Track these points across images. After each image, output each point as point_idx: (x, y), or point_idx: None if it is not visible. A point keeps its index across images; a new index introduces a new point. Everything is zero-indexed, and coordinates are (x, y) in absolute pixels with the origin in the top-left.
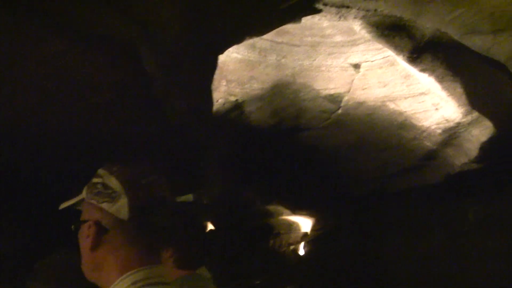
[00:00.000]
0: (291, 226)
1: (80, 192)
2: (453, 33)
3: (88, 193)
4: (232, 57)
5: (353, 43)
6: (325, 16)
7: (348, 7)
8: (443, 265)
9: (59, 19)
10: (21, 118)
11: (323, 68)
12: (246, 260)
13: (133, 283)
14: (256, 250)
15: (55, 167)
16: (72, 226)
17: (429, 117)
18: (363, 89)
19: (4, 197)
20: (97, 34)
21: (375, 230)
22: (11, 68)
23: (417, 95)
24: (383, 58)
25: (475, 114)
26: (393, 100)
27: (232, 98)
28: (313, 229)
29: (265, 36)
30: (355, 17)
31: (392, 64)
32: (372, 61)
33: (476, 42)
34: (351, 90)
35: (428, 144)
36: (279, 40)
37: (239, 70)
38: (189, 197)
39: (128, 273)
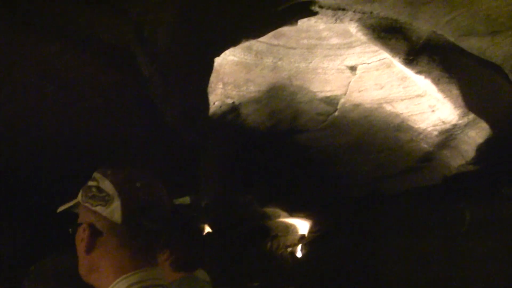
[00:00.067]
0: (289, 228)
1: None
2: (449, 35)
3: (83, 196)
4: (228, 60)
5: (349, 46)
6: (321, 18)
7: (344, 9)
8: (440, 267)
9: (54, 21)
10: (17, 121)
11: (320, 71)
12: (243, 262)
13: (129, 286)
14: (254, 252)
15: (53, 170)
16: (70, 229)
17: (425, 119)
18: (360, 91)
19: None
20: (92, 37)
21: (373, 232)
22: (6, 70)
23: (414, 97)
24: (380, 60)
25: (472, 115)
26: (389, 102)
27: (229, 101)
28: (310, 231)
29: (262, 39)
30: (351, 20)
31: (389, 66)
32: (368, 63)
33: (472, 44)
34: (348, 92)
35: (424, 146)
36: (276, 42)
37: (236, 73)
38: (186, 199)
39: (123, 276)
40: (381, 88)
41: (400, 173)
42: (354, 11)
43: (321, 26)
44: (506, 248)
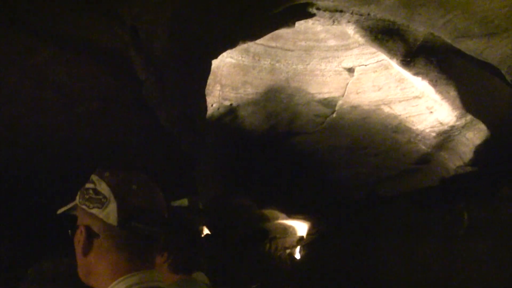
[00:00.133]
0: (287, 230)
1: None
2: (446, 37)
3: (81, 198)
4: (226, 62)
5: (347, 47)
6: (318, 20)
7: (341, 11)
8: (439, 267)
9: (51, 26)
10: (15, 124)
11: (317, 72)
12: (242, 264)
13: (127, 287)
14: (253, 254)
15: (51, 172)
16: (69, 231)
17: (423, 120)
18: (358, 93)
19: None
20: (88, 41)
21: (372, 233)
22: (3, 74)
23: (411, 99)
24: (377, 62)
25: (469, 117)
26: (387, 103)
27: (226, 103)
28: (309, 233)
29: (259, 41)
30: (348, 22)
31: (386, 68)
32: (366, 65)
33: (469, 46)
34: (346, 94)
35: (422, 147)
36: (273, 44)
37: (233, 75)
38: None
39: (121, 278)
40: (378, 90)
41: (398, 174)
42: (351, 13)
43: (319, 28)
44: (505, 249)
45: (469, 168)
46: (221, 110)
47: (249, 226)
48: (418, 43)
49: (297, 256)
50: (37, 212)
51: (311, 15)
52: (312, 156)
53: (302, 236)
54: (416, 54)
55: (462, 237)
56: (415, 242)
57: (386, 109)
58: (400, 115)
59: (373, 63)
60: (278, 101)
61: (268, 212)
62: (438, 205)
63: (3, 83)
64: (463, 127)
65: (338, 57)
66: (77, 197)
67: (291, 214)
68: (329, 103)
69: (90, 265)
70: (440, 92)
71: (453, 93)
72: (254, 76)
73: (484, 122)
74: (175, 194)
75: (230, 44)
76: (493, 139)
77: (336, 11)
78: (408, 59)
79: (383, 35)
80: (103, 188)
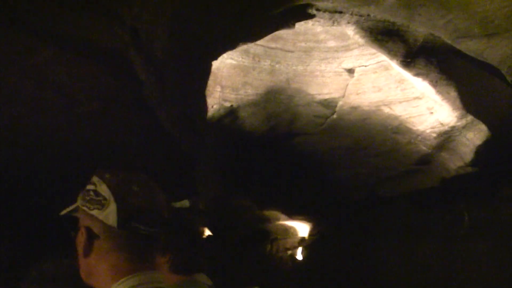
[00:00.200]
0: (288, 231)
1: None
2: (446, 37)
3: (82, 199)
4: (226, 63)
5: (347, 48)
6: (318, 21)
7: (341, 12)
8: (439, 268)
9: (50, 26)
10: (15, 125)
11: (317, 73)
12: (243, 265)
13: None
14: (254, 255)
15: (51, 173)
16: (72, 233)
17: (424, 121)
18: (358, 94)
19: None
20: (88, 41)
21: (373, 234)
22: (3, 74)
23: (412, 99)
24: (377, 62)
25: (470, 117)
26: (387, 104)
27: (227, 104)
28: (310, 234)
29: (259, 42)
30: (348, 22)
31: (386, 68)
32: (366, 66)
33: (469, 46)
34: (346, 95)
35: (423, 148)
36: (273, 45)
37: (233, 76)
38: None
39: (122, 279)
40: (379, 91)
41: (398, 175)
42: (351, 14)
43: (318, 29)
44: (505, 249)
45: (469, 169)
46: (222, 111)
47: (249, 227)
48: (418, 43)
49: (299, 257)
50: (37, 213)
51: (311, 16)
52: (312, 156)
53: (304, 237)
54: (416, 54)
55: (462, 238)
56: (415, 243)
57: (386, 110)
58: (400, 116)
59: (373, 64)
60: (278, 102)
61: (268, 213)
62: (438, 205)
63: (3, 83)
64: (463, 127)
65: (338, 58)
66: (79, 199)
67: (291, 215)
68: (329, 104)
69: (91, 266)
70: (440, 92)
71: (453, 93)
72: (254, 77)
73: (484, 122)
74: (175, 194)
75: (230, 45)
76: (493, 140)
77: (336, 12)
78: (408, 60)
79: (383, 36)
80: (104, 189)
